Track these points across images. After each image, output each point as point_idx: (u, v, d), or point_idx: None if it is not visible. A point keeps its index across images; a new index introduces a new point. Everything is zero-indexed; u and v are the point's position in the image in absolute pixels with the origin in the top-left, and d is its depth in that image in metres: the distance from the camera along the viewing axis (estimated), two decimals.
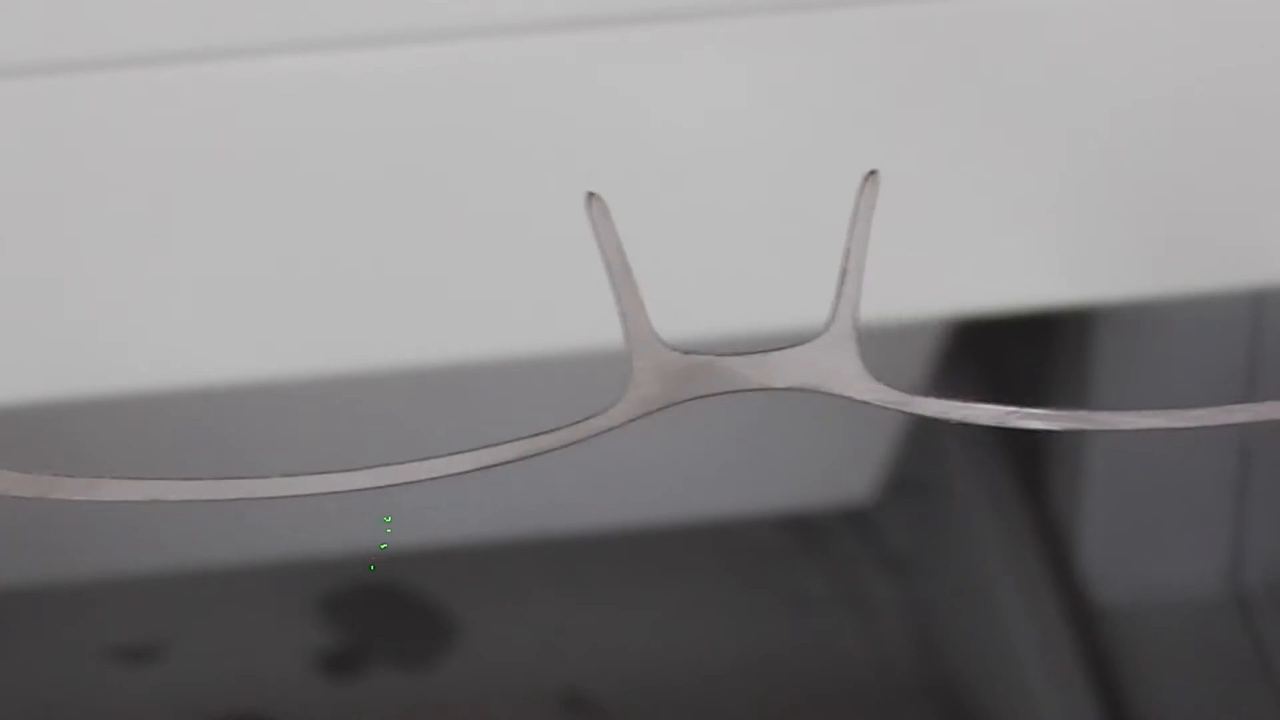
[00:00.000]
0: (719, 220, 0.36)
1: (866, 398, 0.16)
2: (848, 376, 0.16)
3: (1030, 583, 0.64)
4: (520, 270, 0.36)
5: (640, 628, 0.74)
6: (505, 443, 0.16)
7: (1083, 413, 0.16)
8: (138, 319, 0.36)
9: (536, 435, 0.16)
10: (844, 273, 0.15)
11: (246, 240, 0.35)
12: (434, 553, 0.74)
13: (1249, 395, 0.55)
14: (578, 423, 0.16)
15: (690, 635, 0.74)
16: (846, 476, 0.72)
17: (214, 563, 0.71)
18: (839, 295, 0.15)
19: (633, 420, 0.15)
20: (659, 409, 0.16)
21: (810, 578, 0.76)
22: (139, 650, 0.72)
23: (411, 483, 0.17)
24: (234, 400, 0.55)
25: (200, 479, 0.17)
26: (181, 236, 0.35)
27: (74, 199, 0.34)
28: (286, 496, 0.16)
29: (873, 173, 0.16)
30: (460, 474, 0.16)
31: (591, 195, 0.16)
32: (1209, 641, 0.58)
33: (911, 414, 0.15)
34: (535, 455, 0.16)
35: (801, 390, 0.16)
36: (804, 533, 0.77)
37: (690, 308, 0.37)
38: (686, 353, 0.16)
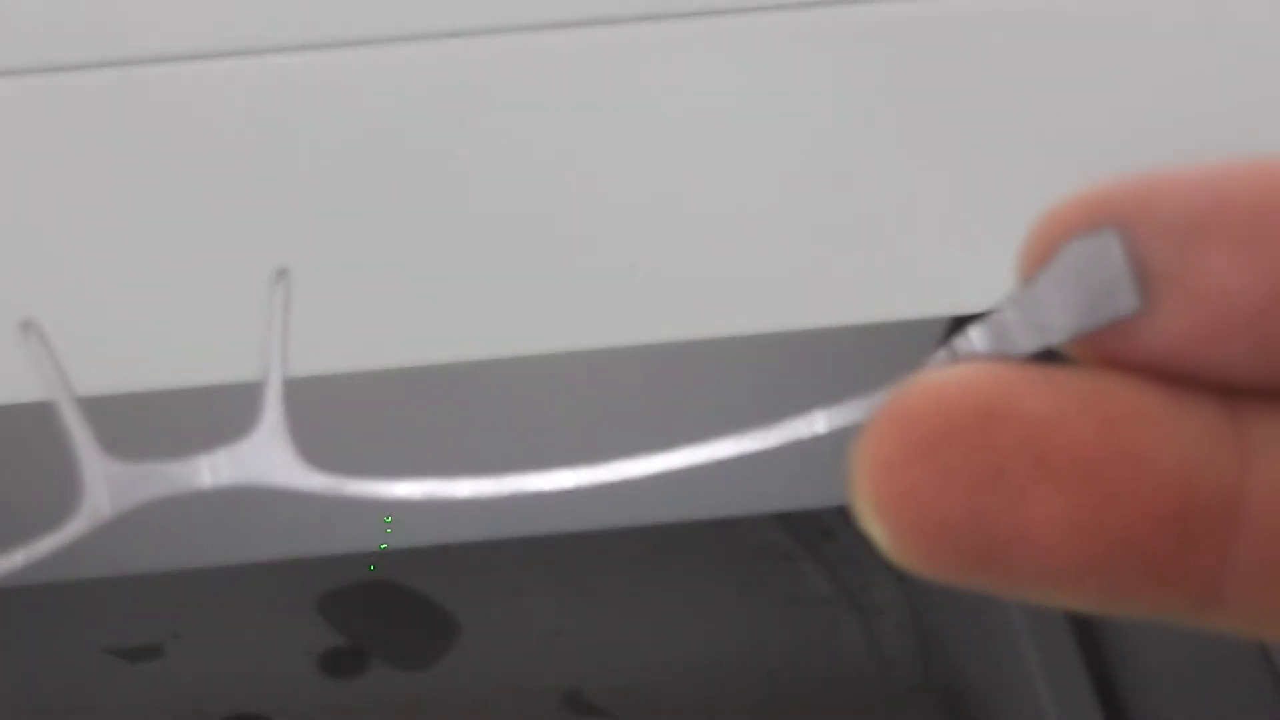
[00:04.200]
0: (717, 220, 0.36)
1: (303, 485, 0.17)
2: (283, 466, 0.17)
3: None
4: (520, 270, 0.36)
5: (640, 628, 0.74)
6: None
7: None
8: (137, 318, 0.36)
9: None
10: (268, 368, 0.17)
11: (244, 240, 0.35)
12: (434, 553, 0.75)
13: None
14: (29, 544, 0.17)
15: (690, 635, 0.74)
16: (846, 476, 0.72)
17: (214, 562, 0.71)
18: (265, 390, 0.17)
19: (85, 533, 0.17)
20: (110, 518, 0.17)
21: (810, 578, 0.76)
22: (140, 649, 0.73)
23: None
24: (233, 399, 0.55)
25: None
26: (181, 236, 0.35)
27: (74, 199, 0.34)
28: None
29: (283, 271, 0.17)
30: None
31: (27, 324, 0.17)
32: (1210, 640, 0.58)
33: (349, 495, 0.17)
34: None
35: (243, 486, 0.17)
36: (804, 533, 0.77)
37: (689, 307, 0.37)
38: (129, 462, 0.17)
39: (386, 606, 0.75)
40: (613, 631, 0.74)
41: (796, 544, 0.77)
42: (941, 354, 0.17)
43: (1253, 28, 0.35)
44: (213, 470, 0.17)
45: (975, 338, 0.17)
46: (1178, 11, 0.34)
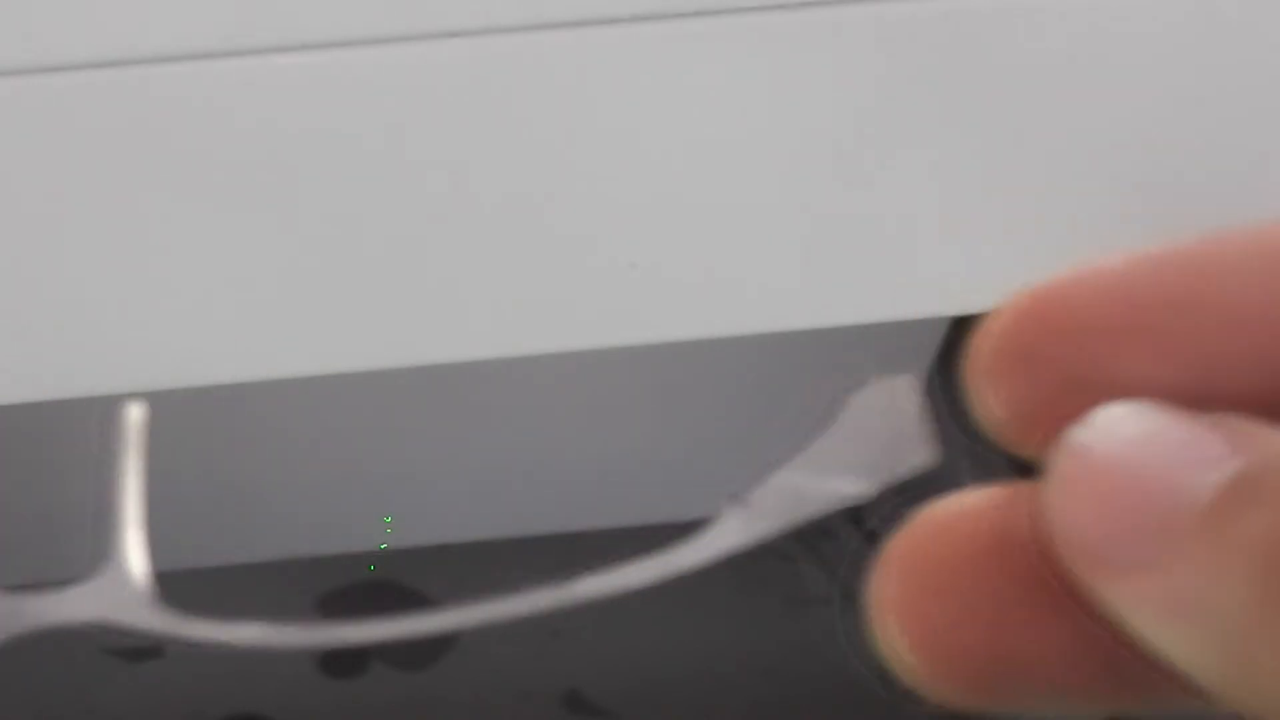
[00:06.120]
0: (717, 220, 0.36)
1: (148, 626, 0.18)
2: (135, 606, 0.18)
3: None
4: (520, 269, 0.36)
5: (640, 628, 0.74)
6: None
7: None
8: (137, 319, 0.36)
9: None
10: (120, 508, 0.17)
11: (245, 239, 0.35)
12: (434, 553, 0.74)
13: None
14: None
15: (690, 635, 0.74)
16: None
17: (214, 562, 0.71)
18: (119, 530, 0.17)
19: None
20: None
21: (810, 578, 0.76)
22: (140, 649, 0.72)
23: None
24: (233, 397, 0.55)
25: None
26: (181, 236, 0.35)
27: (73, 199, 0.34)
28: None
29: (135, 405, 0.17)
30: None
31: None
32: None
33: (187, 639, 0.18)
34: None
35: (97, 625, 0.18)
36: (804, 533, 0.77)
37: (689, 307, 0.37)
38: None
39: (386, 605, 0.75)
40: (613, 631, 0.74)
41: (796, 544, 0.77)
42: (734, 510, 0.16)
43: (1254, 28, 0.35)
44: (71, 606, 0.18)
45: (765, 498, 0.16)
46: (1179, 11, 0.34)
